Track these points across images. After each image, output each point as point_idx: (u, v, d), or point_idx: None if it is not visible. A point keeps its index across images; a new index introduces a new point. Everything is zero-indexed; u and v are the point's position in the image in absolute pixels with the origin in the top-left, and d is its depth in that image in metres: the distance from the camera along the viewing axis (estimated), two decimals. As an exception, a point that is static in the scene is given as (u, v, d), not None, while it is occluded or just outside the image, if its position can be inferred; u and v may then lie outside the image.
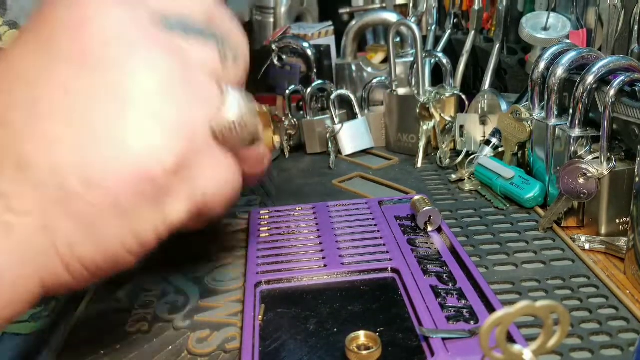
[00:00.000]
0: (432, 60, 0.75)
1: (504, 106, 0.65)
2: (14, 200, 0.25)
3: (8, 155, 0.25)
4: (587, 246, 0.47)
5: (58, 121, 0.26)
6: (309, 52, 0.78)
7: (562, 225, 0.50)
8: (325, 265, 0.44)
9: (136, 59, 0.26)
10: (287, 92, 0.74)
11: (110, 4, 0.27)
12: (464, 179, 0.62)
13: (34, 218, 0.25)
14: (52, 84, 0.26)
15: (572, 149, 0.50)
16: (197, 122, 0.28)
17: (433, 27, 0.83)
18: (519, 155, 0.60)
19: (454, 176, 0.63)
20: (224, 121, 0.29)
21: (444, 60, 0.71)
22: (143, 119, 0.26)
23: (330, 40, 0.85)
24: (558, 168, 0.51)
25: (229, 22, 0.31)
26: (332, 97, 0.72)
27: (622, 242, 0.46)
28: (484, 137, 0.66)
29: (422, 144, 0.69)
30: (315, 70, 0.78)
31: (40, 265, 0.26)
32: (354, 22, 0.80)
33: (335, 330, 0.36)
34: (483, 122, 0.67)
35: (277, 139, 0.40)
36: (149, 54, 0.27)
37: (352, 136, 0.73)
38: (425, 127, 0.69)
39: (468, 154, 0.65)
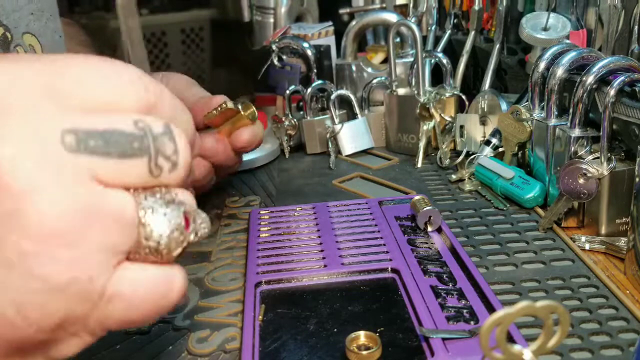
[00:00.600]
0: (432, 61, 0.75)
1: (504, 106, 0.65)
2: None
3: None
4: (587, 246, 0.47)
5: None
6: (309, 52, 0.78)
7: (562, 225, 0.50)
8: (325, 266, 0.44)
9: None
10: (287, 92, 0.74)
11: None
12: (464, 179, 0.62)
13: None
14: None
15: (572, 149, 0.50)
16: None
17: (433, 27, 0.83)
18: (519, 155, 0.60)
19: (454, 176, 0.63)
20: (140, 245, 0.25)
21: (444, 61, 0.71)
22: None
23: (330, 41, 0.85)
24: (558, 168, 0.51)
25: (169, 108, 0.27)
26: (332, 97, 0.72)
27: (622, 242, 0.46)
28: (484, 137, 0.66)
29: (422, 144, 0.69)
30: (315, 71, 0.78)
31: None
32: (354, 22, 0.80)
33: (335, 330, 0.36)
34: (483, 122, 0.67)
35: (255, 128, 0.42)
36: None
37: (352, 136, 0.73)
38: (425, 127, 0.69)
39: (468, 154, 0.65)
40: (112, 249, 0.24)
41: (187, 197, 0.27)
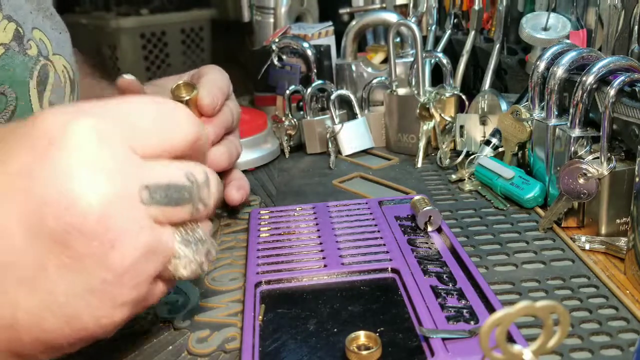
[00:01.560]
0: (432, 60, 0.75)
1: (504, 106, 0.65)
2: None
3: None
4: (587, 246, 0.47)
5: None
6: (309, 52, 0.78)
7: (562, 225, 0.50)
8: (325, 266, 0.44)
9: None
10: (287, 92, 0.74)
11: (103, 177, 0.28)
12: (464, 179, 0.62)
13: None
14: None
15: (572, 149, 0.50)
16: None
17: (433, 27, 0.83)
18: (519, 155, 0.60)
19: (454, 176, 0.63)
20: (171, 273, 0.32)
21: (444, 60, 0.71)
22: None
23: (330, 41, 0.85)
24: (558, 168, 0.51)
25: (205, 141, 0.33)
26: (332, 97, 0.72)
27: (622, 242, 0.46)
28: (484, 137, 0.66)
29: (422, 144, 0.69)
30: (315, 71, 0.78)
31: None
32: (354, 22, 0.80)
33: (335, 330, 0.36)
34: (483, 122, 0.67)
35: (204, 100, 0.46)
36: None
37: (352, 136, 0.73)
38: (425, 127, 0.69)
39: (468, 154, 0.65)
40: (156, 273, 0.31)
41: (207, 228, 0.33)
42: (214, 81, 0.50)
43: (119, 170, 0.28)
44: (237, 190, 0.55)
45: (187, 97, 0.48)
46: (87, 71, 0.71)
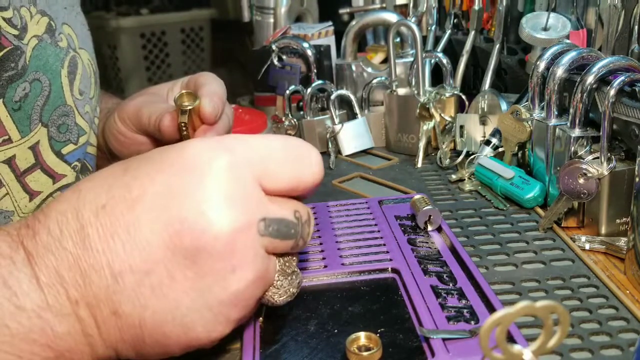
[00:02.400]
0: (432, 60, 0.75)
1: (504, 106, 0.65)
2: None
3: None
4: (587, 246, 0.47)
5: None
6: (309, 52, 0.78)
7: (562, 225, 0.50)
8: (325, 266, 0.44)
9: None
10: (287, 92, 0.74)
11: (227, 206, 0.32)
12: (464, 179, 0.62)
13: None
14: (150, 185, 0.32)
15: (572, 149, 0.50)
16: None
17: (433, 27, 0.83)
18: (519, 155, 0.60)
19: (454, 176, 0.63)
20: (265, 297, 0.36)
21: (444, 60, 0.71)
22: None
23: (330, 41, 0.85)
24: (558, 168, 0.51)
25: (305, 209, 0.36)
26: (332, 97, 0.72)
27: (622, 242, 0.46)
28: (484, 137, 0.66)
29: (422, 144, 0.69)
30: (315, 71, 0.78)
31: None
32: (354, 22, 0.80)
33: (336, 331, 0.36)
34: (483, 122, 0.67)
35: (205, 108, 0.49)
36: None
37: (352, 136, 0.73)
38: (425, 127, 0.69)
39: (468, 154, 0.65)
40: (259, 297, 0.35)
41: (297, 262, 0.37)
42: (214, 90, 0.51)
43: (247, 203, 0.32)
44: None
45: (190, 107, 0.49)
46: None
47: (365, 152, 0.74)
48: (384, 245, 0.46)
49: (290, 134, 0.74)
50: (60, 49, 0.50)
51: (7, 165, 0.46)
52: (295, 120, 0.74)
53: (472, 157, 0.63)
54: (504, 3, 0.73)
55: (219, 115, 0.51)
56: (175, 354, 0.34)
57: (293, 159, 0.35)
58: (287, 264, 0.36)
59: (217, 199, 0.31)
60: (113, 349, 0.33)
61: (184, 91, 0.51)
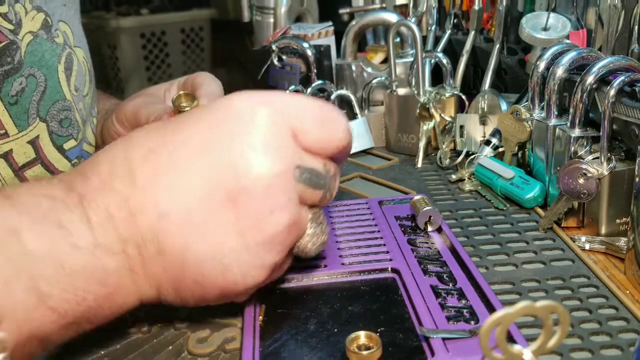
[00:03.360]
0: (432, 60, 0.75)
1: (504, 106, 0.65)
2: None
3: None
4: (587, 246, 0.47)
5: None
6: (309, 52, 0.78)
7: (562, 225, 0.50)
8: (325, 266, 0.44)
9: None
10: (287, 92, 0.74)
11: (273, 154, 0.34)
12: (464, 179, 0.62)
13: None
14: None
15: (572, 149, 0.50)
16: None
17: (433, 27, 0.83)
18: (519, 155, 0.60)
19: (454, 176, 0.63)
20: (299, 247, 0.38)
21: (444, 60, 0.71)
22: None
23: (330, 41, 0.85)
24: (558, 168, 0.51)
25: (333, 165, 0.39)
26: (332, 97, 0.72)
27: (622, 242, 0.46)
28: (484, 137, 0.66)
29: (422, 144, 0.69)
30: (315, 71, 0.78)
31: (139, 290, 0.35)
32: (354, 22, 0.80)
33: (336, 330, 0.36)
34: (483, 122, 0.67)
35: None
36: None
37: (352, 136, 0.73)
38: (425, 127, 0.69)
39: (468, 154, 0.65)
40: (292, 244, 0.37)
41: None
42: (212, 91, 0.52)
43: (284, 151, 0.35)
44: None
45: (188, 107, 0.50)
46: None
47: (365, 152, 0.74)
48: (384, 245, 0.46)
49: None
50: (56, 44, 0.50)
51: (3, 159, 0.46)
52: (295, 120, 0.74)
53: (472, 157, 0.63)
54: (504, 3, 0.73)
55: None
56: (211, 301, 0.36)
57: (325, 120, 0.37)
58: (316, 214, 0.38)
59: (258, 145, 0.34)
60: (156, 289, 0.35)
61: (181, 92, 0.51)
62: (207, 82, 0.53)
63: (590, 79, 0.48)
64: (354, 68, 0.80)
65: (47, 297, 0.31)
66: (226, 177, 0.33)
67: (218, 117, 0.35)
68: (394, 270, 0.43)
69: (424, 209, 0.49)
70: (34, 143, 0.48)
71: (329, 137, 0.37)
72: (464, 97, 0.71)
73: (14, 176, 0.47)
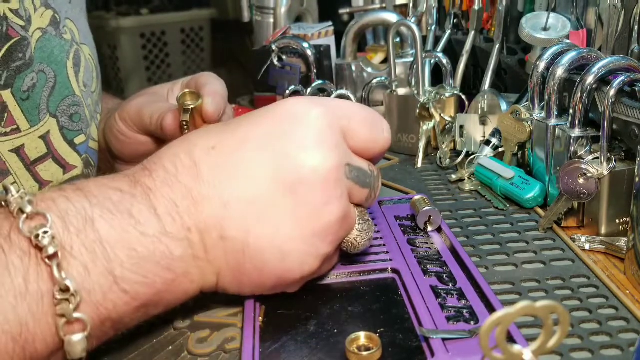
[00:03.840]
0: (432, 61, 0.75)
1: (504, 106, 0.65)
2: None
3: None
4: (587, 246, 0.47)
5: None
6: (309, 52, 0.78)
7: (562, 225, 0.50)
8: (325, 266, 0.44)
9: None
10: (287, 92, 0.74)
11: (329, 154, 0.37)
12: (464, 179, 0.62)
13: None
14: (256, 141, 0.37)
15: (572, 149, 0.50)
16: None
17: (433, 27, 0.83)
18: (519, 155, 0.60)
19: (454, 176, 0.63)
20: (349, 241, 0.41)
21: (444, 61, 0.71)
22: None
23: (330, 41, 0.85)
24: (558, 168, 0.51)
25: (376, 167, 0.42)
26: (332, 97, 0.72)
27: (622, 242, 0.46)
28: (484, 137, 0.66)
29: (422, 144, 0.69)
30: (315, 71, 0.78)
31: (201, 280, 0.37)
32: (354, 22, 0.80)
33: (336, 331, 0.36)
34: (483, 122, 0.67)
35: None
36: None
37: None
38: (425, 127, 0.69)
39: (468, 154, 0.65)
40: (343, 238, 0.40)
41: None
42: (216, 90, 0.53)
43: (337, 148, 0.37)
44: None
45: (193, 105, 0.50)
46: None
47: (365, 152, 0.73)
48: (384, 245, 0.46)
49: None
50: (65, 41, 0.51)
51: (15, 154, 0.47)
52: (295, 120, 0.74)
53: (472, 157, 0.63)
54: (504, 3, 0.73)
55: (221, 114, 0.52)
56: (267, 289, 0.38)
57: (370, 123, 0.40)
58: (362, 212, 0.41)
59: (315, 140, 0.37)
60: (216, 276, 0.37)
61: (186, 90, 0.51)
62: (211, 82, 0.54)
63: (590, 79, 0.48)
64: (354, 68, 0.80)
65: (120, 280, 0.33)
66: (286, 170, 0.36)
67: (275, 117, 0.38)
68: (394, 271, 0.43)
69: (424, 209, 0.49)
70: (45, 138, 0.48)
71: (375, 138, 0.40)
72: (464, 97, 0.71)
73: (25, 171, 0.47)
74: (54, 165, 0.50)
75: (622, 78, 0.46)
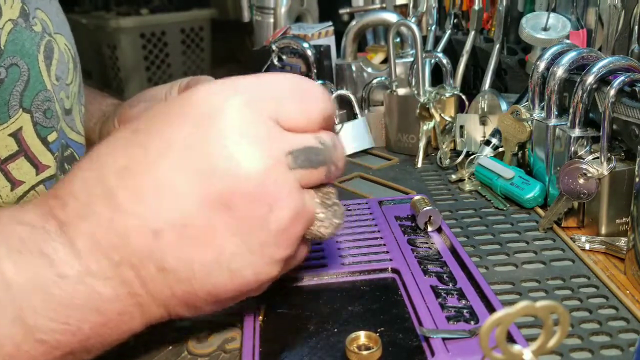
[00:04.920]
0: (432, 60, 0.75)
1: (504, 106, 0.65)
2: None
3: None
4: (587, 246, 0.47)
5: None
6: (309, 52, 0.78)
7: (562, 225, 0.50)
8: (325, 266, 0.44)
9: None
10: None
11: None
12: (464, 179, 0.62)
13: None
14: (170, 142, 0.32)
15: (572, 149, 0.50)
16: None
17: (433, 27, 0.83)
18: (519, 155, 0.60)
19: (454, 176, 0.63)
20: (312, 233, 0.36)
21: (444, 60, 0.71)
22: None
23: (330, 41, 0.85)
24: (558, 168, 0.51)
25: (329, 134, 0.36)
26: (332, 97, 0.72)
27: (622, 242, 0.46)
28: (484, 137, 0.66)
29: (422, 144, 0.69)
30: (315, 71, 0.78)
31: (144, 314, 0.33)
32: (354, 22, 0.80)
33: (336, 330, 0.36)
34: (483, 122, 0.67)
35: None
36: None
37: (352, 136, 0.73)
38: (425, 127, 0.69)
39: (468, 154, 0.65)
40: (302, 233, 0.35)
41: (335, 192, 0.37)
42: None
43: (269, 140, 0.32)
44: None
45: None
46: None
47: (365, 152, 0.74)
48: (384, 245, 0.46)
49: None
50: (35, 33, 0.49)
51: None
52: (295, 120, 0.74)
53: (472, 157, 0.63)
54: (504, 3, 0.73)
55: None
56: (228, 303, 0.35)
57: (301, 95, 0.35)
58: (325, 196, 0.36)
59: (240, 141, 0.31)
60: (164, 307, 0.33)
61: None
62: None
63: (590, 79, 0.48)
64: (354, 68, 0.80)
65: (35, 329, 0.29)
66: (214, 183, 0.31)
67: (189, 117, 0.32)
68: (394, 270, 0.43)
69: (424, 209, 0.49)
70: (16, 135, 0.46)
71: (309, 109, 0.35)
72: (464, 97, 0.71)
73: None
74: (26, 163, 0.48)
75: (622, 78, 0.46)
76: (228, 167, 0.31)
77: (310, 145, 0.34)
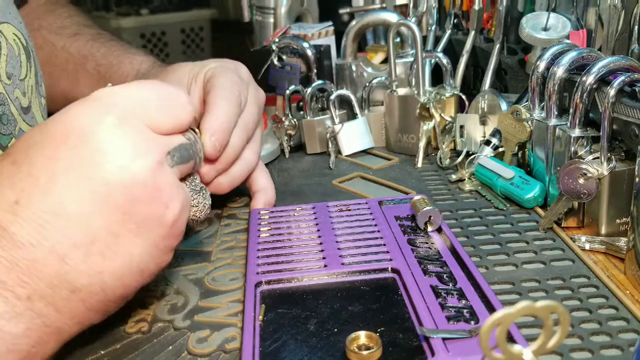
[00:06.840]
0: (432, 60, 0.75)
1: (504, 106, 0.65)
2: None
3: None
4: (587, 246, 0.47)
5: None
6: (309, 52, 0.78)
7: (562, 225, 0.50)
8: (325, 266, 0.44)
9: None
10: (287, 92, 0.74)
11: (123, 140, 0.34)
12: (464, 179, 0.62)
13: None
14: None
15: (572, 149, 0.50)
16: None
17: (433, 27, 0.83)
18: (519, 155, 0.60)
19: (454, 176, 0.63)
20: (191, 217, 0.41)
21: (444, 60, 0.71)
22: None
23: (330, 41, 0.85)
24: (558, 168, 0.51)
25: (194, 132, 0.41)
26: (332, 97, 0.72)
27: (622, 242, 0.46)
28: (484, 137, 0.66)
29: (422, 144, 0.69)
30: (315, 71, 0.78)
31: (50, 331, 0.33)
32: (354, 22, 0.80)
33: (336, 330, 0.36)
34: (483, 122, 0.67)
35: None
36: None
37: (352, 136, 0.73)
38: (425, 127, 0.69)
39: (468, 154, 0.65)
40: (185, 222, 0.38)
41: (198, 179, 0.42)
42: (217, 115, 0.48)
43: (150, 145, 0.35)
44: (264, 204, 0.56)
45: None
46: (86, 23, 0.74)
47: (365, 152, 0.74)
48: (384, 245, 0.46)
49: (290, 134, 0.74)
50: None
51: None
52: (295, 120, 0.74)
53: (472, 157, 0.63)
54: (504, 3, 0.73)
55: (222, 148, 0.49)
56: (132, 296, 0.38)
57: (167, 104, 0.38)
58: (193, 183, 0.41)
59: (126, 152, 0.34)
60: (79, 324, 0.35)
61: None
62: (216, 104, 0.49)
63: (590, 79, 0.48)
64: (354, 68, 0.79)
65: None
66: (111, 197, 0.33)
67: (67, 143, 0.33)
68: (394, 270, 0.43)
69: (424, 209, 0.49)
70: None
71: (176, 116, 0.38)
72: (464, 97, 0.71)
73: None
74: None
75: (622, 78, 0.46)
76: (124, 178, 0.33)
77: (182, 143, 0.38)
